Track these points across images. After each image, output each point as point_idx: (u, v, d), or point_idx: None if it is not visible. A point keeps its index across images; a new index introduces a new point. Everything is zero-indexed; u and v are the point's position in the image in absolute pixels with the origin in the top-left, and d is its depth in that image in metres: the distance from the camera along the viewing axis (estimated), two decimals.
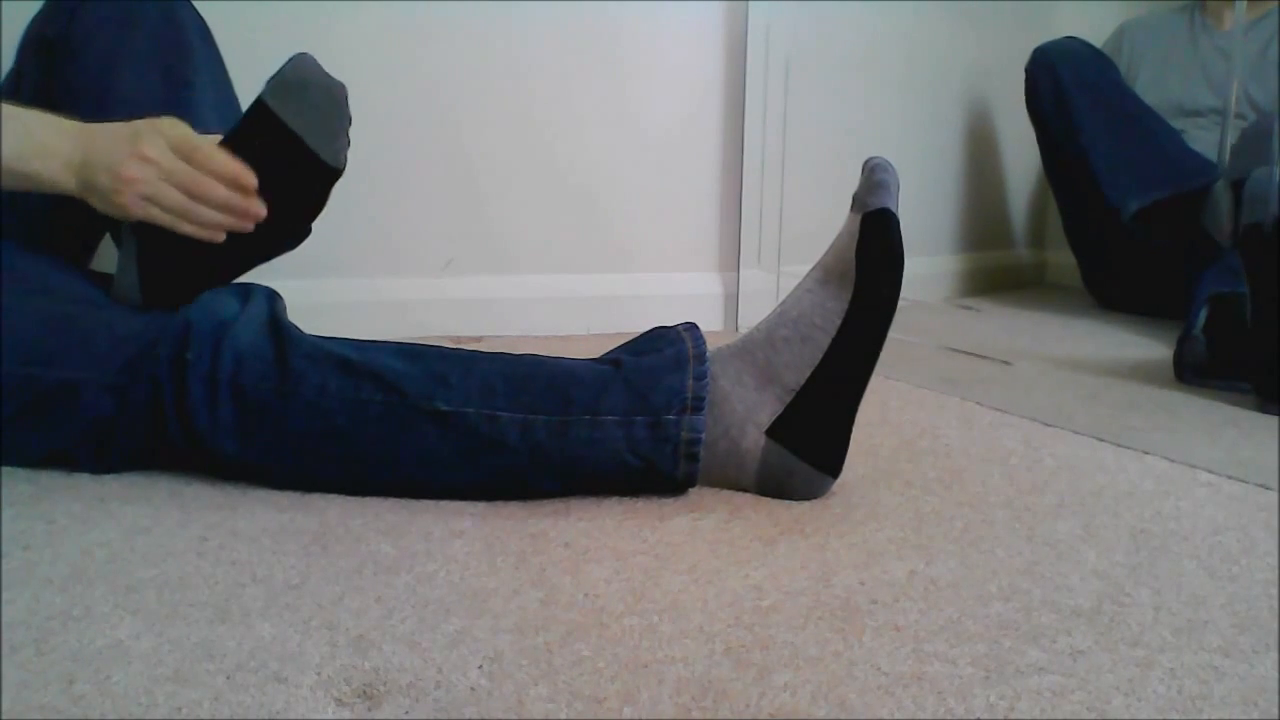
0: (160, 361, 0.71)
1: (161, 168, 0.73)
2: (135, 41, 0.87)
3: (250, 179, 0.75)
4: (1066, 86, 1.80)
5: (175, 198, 0.74)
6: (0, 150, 0.73)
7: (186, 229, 0.75)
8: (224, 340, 0.72)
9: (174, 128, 0.75)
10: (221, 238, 0.77)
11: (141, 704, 0.45)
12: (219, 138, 0.76)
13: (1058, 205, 1.99)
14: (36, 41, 0.90)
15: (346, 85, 0.76)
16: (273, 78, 0.74)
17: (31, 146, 0.74)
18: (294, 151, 0.75)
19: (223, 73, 0.95)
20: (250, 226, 0.77)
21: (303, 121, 0.74)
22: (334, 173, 0.77)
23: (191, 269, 0.78)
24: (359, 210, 1.41)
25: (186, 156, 0.74)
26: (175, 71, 0.88)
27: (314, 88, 0.74)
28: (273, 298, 0.79)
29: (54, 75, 0.88)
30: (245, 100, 0.94)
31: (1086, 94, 1.78)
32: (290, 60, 0.74)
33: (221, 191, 0.74)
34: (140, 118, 0.80)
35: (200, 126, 0.85)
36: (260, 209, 0.76)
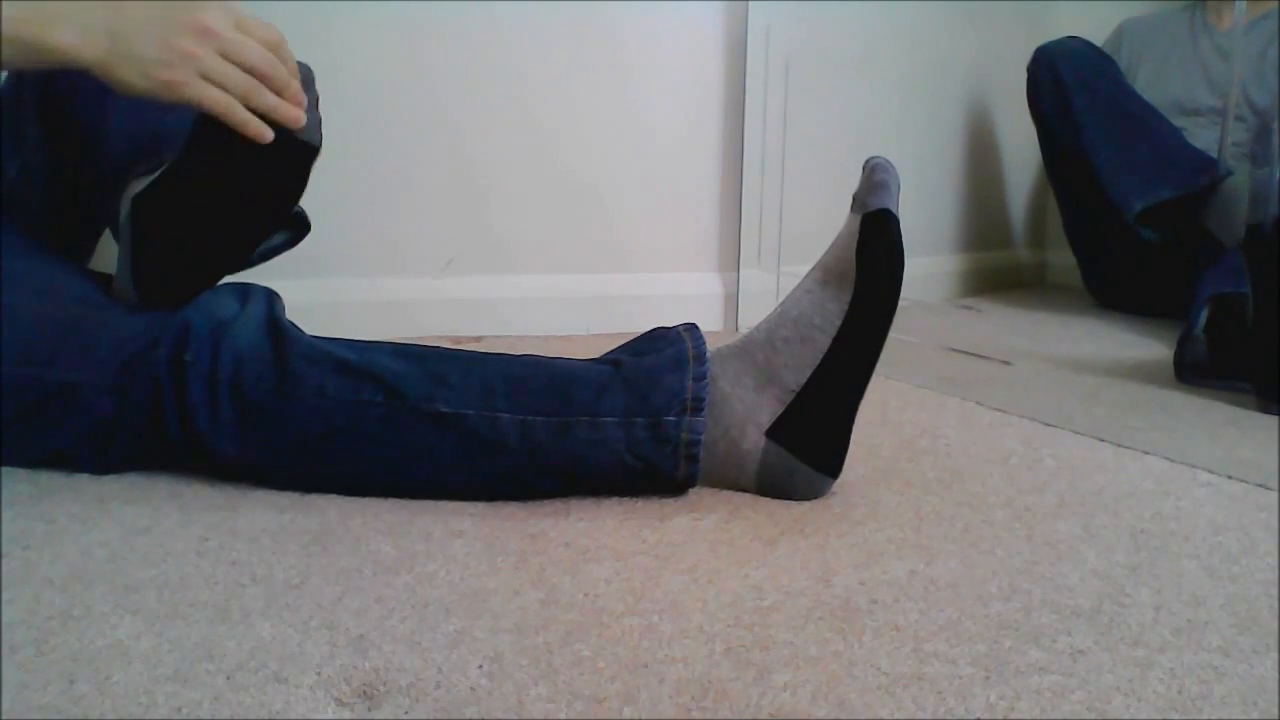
0: (160, 362, 0.71)
1: (224, 41, 0.67)
2: None
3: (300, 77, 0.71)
4: (1068, 86, 1.80)
5: (240, 78, 0.68)
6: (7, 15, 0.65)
7: (238, 117, 0.69)
8: (223, 341, 0.72)
9: (237, 6, 0.68)
10: (271, 135, 0.71)
11: (141, 704, 0.45)
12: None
13: (1058, 205, 1.99)
14: None
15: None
16: None
17: (40, 11, 0.66)
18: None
19: None
20: (302, 120, 0.71)
21: None
22: (308, 149, 0.75)
23: (185, 265, 0.78)
24: (359, 210, 1.41)
25: (260, 36, 0.68)
26: None
27: None
28: (271, 298, 0.79)
29: (56, 73, 0.88)
30: None
31: (1088, 94, 1.78)
32: None
33: (290, 80, 0.69)
34: (142, 114, 0.78)
35: None
36: (304, 97, 0.72)
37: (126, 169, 0.80)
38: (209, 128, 0.73)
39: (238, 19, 0.68)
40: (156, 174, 0.76)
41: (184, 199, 0.75)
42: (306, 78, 0.74)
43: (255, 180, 0.75)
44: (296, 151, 0.75)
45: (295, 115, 0.71)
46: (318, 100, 0.76)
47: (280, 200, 0.78)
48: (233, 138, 0.71)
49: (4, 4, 0.64)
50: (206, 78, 0.67)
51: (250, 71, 0.68)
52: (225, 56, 0.67)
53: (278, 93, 0.70)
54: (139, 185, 0.77)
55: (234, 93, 0.68)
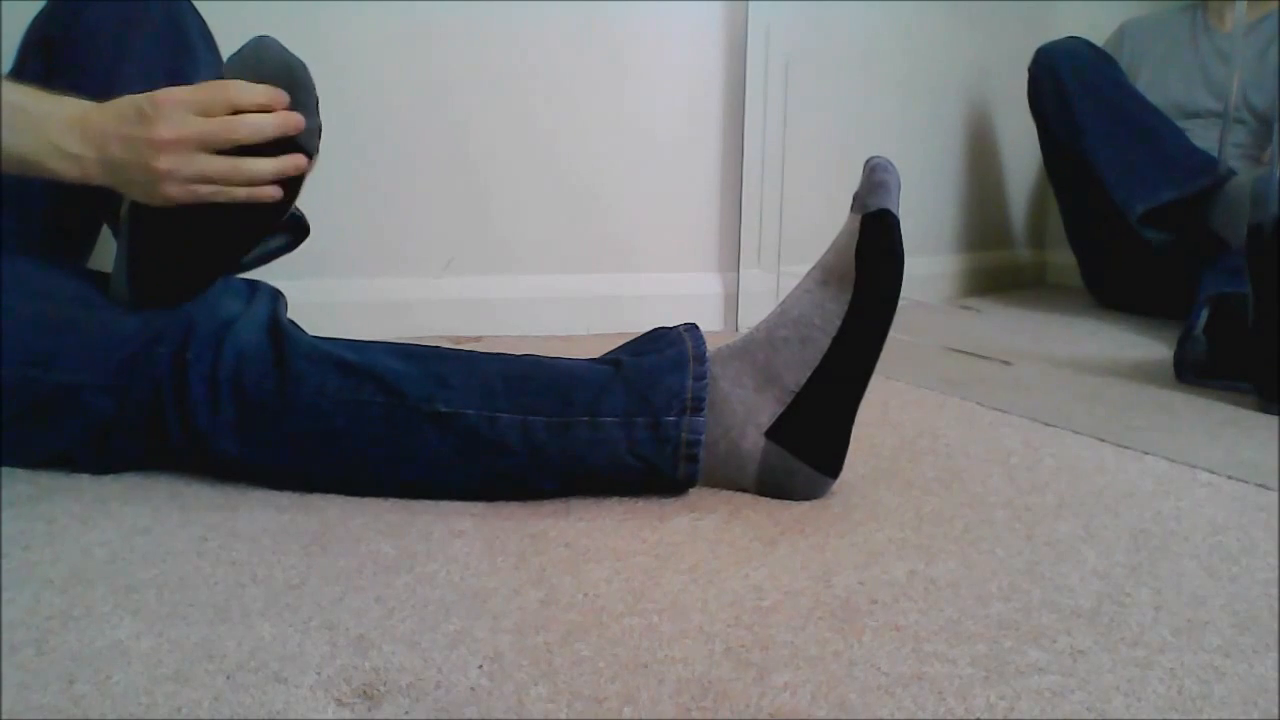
0: (161, 360, 0.71)
1: (190, 140, 0.69)
2: (139, 41, 0.87)
3: (280, 96, 0.71)
4: (1069, 87, 1.79)
5: (218, 165, 0.70)
6: (8, 146, 0.70)
7: (240, 195, 0.72)
8: (225, 340, 0.72)
9: (177, 92, 0.70)
10: (278, 193, 0.73)
11: (141, 704, 0.45)
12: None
13: (1059, 205, 1.99)
14: (39, 42, 0.90)
15: (308, 64, 0.73)
16: (231, 57, 0.72)
17: (44, 147, 0.71)
18: None
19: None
20: (304, 163, 0.72)
21: None
22: (296, 150, 0.74)
23: (180, 269, 0.77)
24: (359, 210, 1.41)
25: (207, 107, 0.70)
26: (178, 72, 0.88)
27: (272, 66, 0.71)
28: (275, 297, 0.79)
29: (56, 75, 0.88)
30: None
31: (1089, 95, 1.78)
32: (249, 41, 0.72)
33: (264, 123, 0.70)
34: None
35: None
36: (299, 119, 0.71)
37: None
38: None
39: (191, 101, 0.69)
40: None
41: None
42: (301, 76, 0.73)
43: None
44: (290, 151, 0.74)
45: (287, 167, 0.72)
46: (317, 104, 0.74)
47: (274, 206, 0.77)
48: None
49: (3, 132, 0.69)
50: (198, 178, 0.70)
51: (229, 143, 0.70)
52: (202, 148, 0.70)
53: (258, 136, 0.70)
54: None
55: (217, 181, 0.71)
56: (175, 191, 0.71)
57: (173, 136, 0.69)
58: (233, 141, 0.70)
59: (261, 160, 0.71)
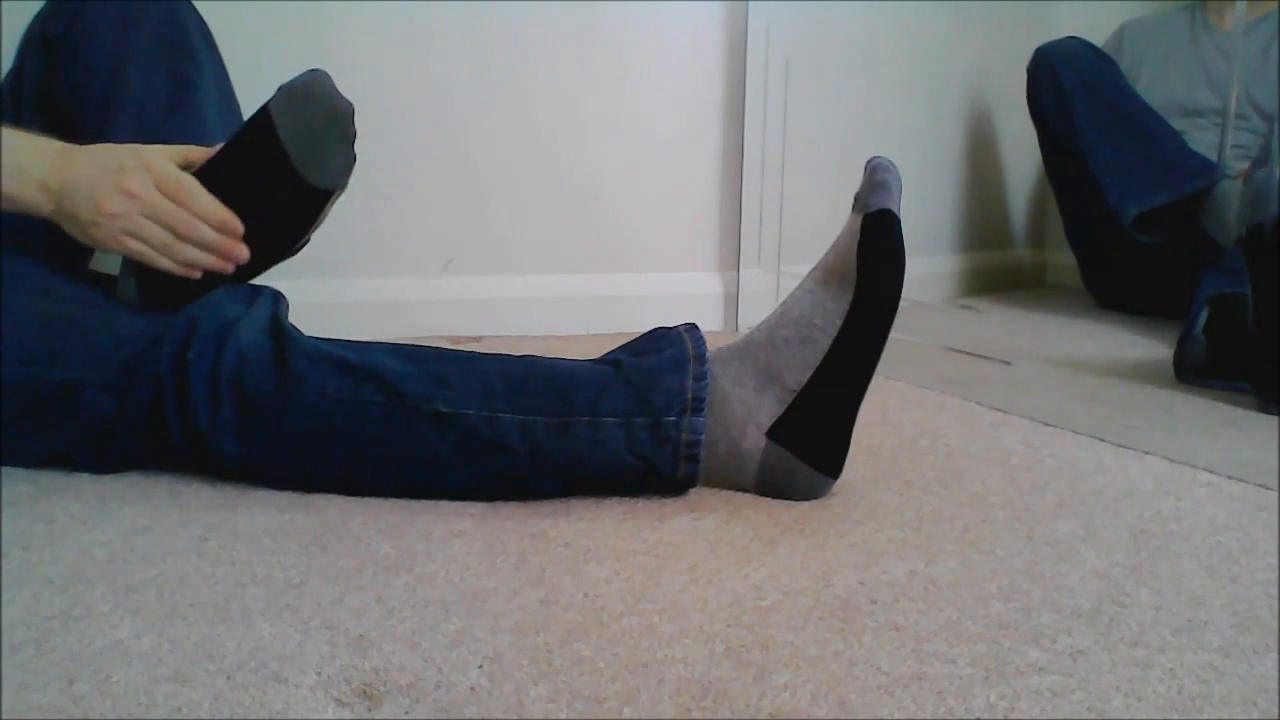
0: (162, 360, 0.71)
1: (144, 203, 0.73)
2: (139, 41, 0.87)
3: (236, 225, 0.75)
4: (1067, 87, 1.80)
5: (157, 233, 0.74)
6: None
7: (164, 264, 0.75)
8: (227, 340, 0.72)
9: (160, 165, 0.74)
10: (199, 275, 0.76)
11: (141, 704, 0.45)
12: (218, 149, 0.76)
13: (1058, 205, 1.99)
14: (38, 40, 0.90)
15: (353, 101, 0.75)
16: (283, 85, 0.73)
17: (5, 166, 0.73)
18: (280, 169, 0.74)
19: (224, 74, 0.95)
20: (230, 268, 0.76)
21: (297, 139, 0.73)
22: (320, 194, 0.76)
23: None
24: (359, 210, 1.41)
25: (172, 195, 0.73)
26: (179, 72, 0.88)
27: (317, 104, 0.73)
28: (277, 299, 0.79)
29: (57, 74, 0.88)
30: (245, 102, 0.94)
31: (1087, 95, 1.78)
32: (304, 73, 0.74)
33: (207, 232, 0.74)
34: (145, 118, 0.79)
35: (203, 128, 0.85)
36: (243, 252, 0.76)
37: None
38: (234, 156, 0.74)
39: (175, 188, 0.74)
40: None
41: None
42: (343, 117, 0.74)
43: (269, 212, 0.76)
44: (302, 193, 0.75)
45: (211, 265, 0.76)
46: (353, 141, 0.76)
47: (292, 233, 0.79)
48: (249, 168, 0.74)
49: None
50: (131, 233, 0.74)
51: (170, 231, 0.74)
52: (149, 216, 0.74)
53: (195, 241, 0.75)
54: None
55: (153, 246, 0.74)
56: (104, 234, 0.73)
57: (134, 191, 0.72)
58: (174, 233, 0.74)
59: (196, 251, 0.75)
